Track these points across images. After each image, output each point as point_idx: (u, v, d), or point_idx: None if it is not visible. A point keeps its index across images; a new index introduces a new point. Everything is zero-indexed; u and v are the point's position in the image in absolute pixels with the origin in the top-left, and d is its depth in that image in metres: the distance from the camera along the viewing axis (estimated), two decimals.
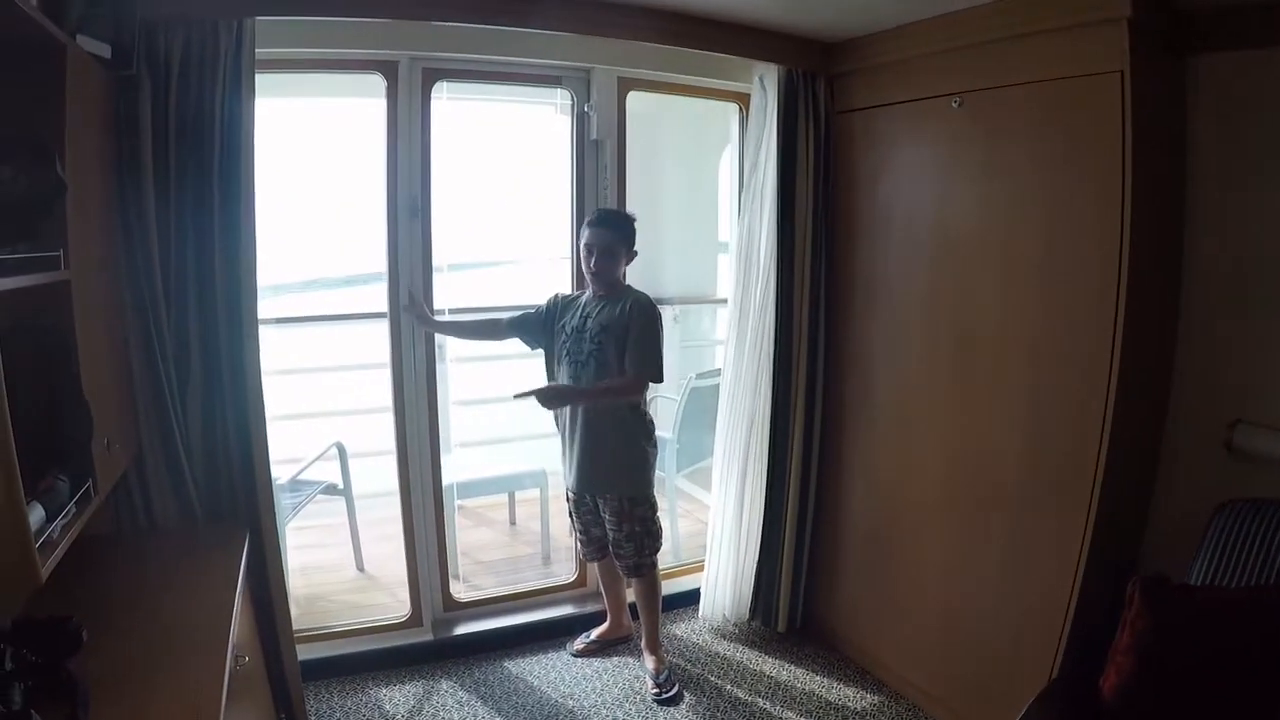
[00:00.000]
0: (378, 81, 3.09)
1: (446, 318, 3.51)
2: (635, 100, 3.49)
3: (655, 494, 3.26)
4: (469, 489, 4.42)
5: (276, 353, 5.12)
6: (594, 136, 3.38)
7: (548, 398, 3.04)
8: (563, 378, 3.12)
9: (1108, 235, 2.33)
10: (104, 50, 2.20)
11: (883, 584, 3.30)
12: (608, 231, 3.04)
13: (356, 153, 3.58)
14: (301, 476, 4.00)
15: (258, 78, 2.54)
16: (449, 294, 3.59)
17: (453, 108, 3.33)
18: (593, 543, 3.39)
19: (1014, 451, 2.69)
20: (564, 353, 3.12)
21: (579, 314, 3.12)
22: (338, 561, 4.34)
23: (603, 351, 3.02)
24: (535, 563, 4.47)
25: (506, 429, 5.55)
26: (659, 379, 3.07)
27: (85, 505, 1.91)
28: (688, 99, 3.71)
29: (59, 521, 1.74)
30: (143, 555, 2.49)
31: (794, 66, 3.18)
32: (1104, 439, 2.39)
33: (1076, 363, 2.46)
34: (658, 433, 3.24)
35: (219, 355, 2.62)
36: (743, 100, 3.59)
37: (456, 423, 5.00)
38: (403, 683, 3.29)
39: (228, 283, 2.58)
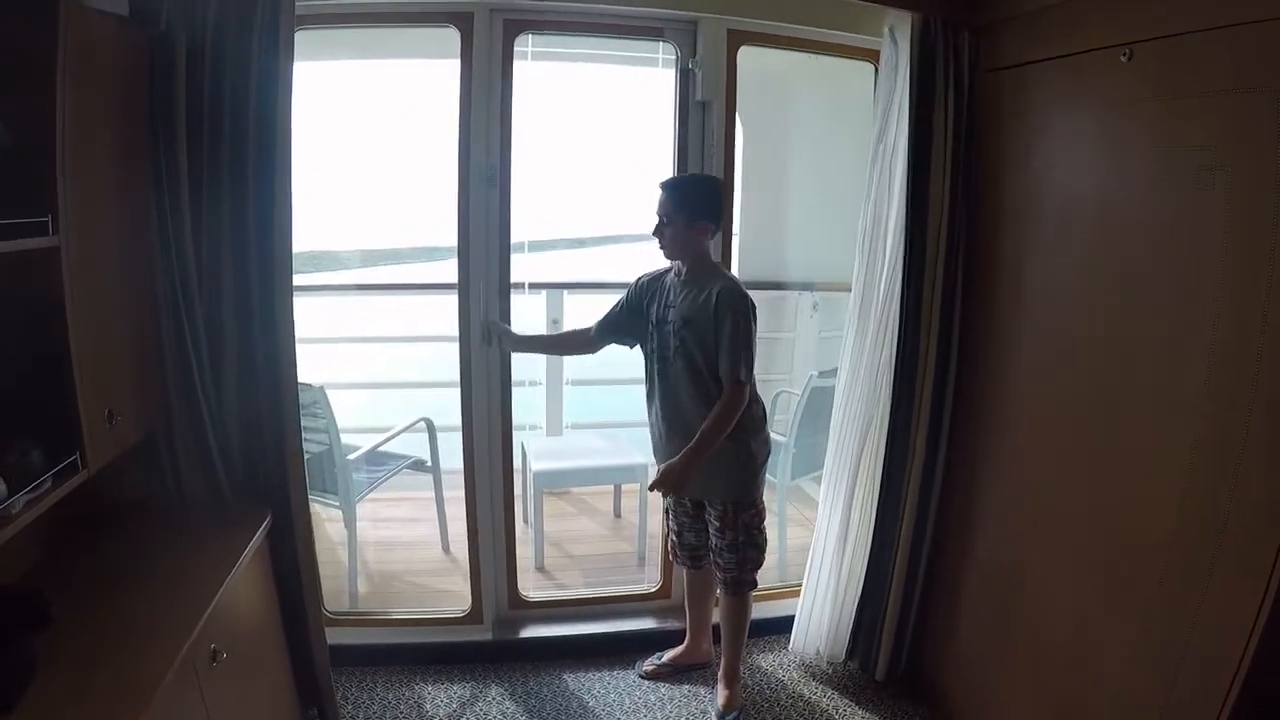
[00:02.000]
0: (453, 38, 2.79)
1: (526, 332, 3.27)
2: (760, 58, 3.06)
3: (764, 499, 2.86)
4: (558, 478, 4.13)
5: (367, 321, 5.11)
6: (699, 97, 2.96)
7: (665, 483, 2.72)
8: (654, 379, 2.76)
9: None
10: (120, 6, 2.11)
11: (1003, 639, 2.73)
12: (667, 196, 2.65)
13: (435, 116, 3.31)
14: (387, 449, 3.82)
15: (319, 34, 2.42)
16: (530, 273, 3.31)
17: (537, 69, 3.01)
18: (685, 548, 3.00)
19: (1174, 501, 2.06)
20: (652, 350, 2.76)
21: (663, 301, 2.73)
22: (424, 539, 4.16)
23: (686, 349, 2.65)
24: (630, 562, 4.12)
25: (620, 413, 5.28)
26: (748, 378, 2.63)
27: (67, 478, 1.82)
28: (815, 56, 3.22)
29: (22, 495, 1.70)
30: (155, 529, 2.39)
31: (931, 14, 2.64)
32: None
33: (1267, 395, 1.83)
34: (770, 431, 2.86)
35: (252, 327, 2.44)
36: (875, 58, 3.05)
37: (571, 404, 4.78)
38: (451, 682, 3.05)
39: (262, 253, 2.39)
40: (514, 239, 3.02)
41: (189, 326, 2.36)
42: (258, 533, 2.33)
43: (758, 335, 2.64)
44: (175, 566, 2.13)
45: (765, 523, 2.86)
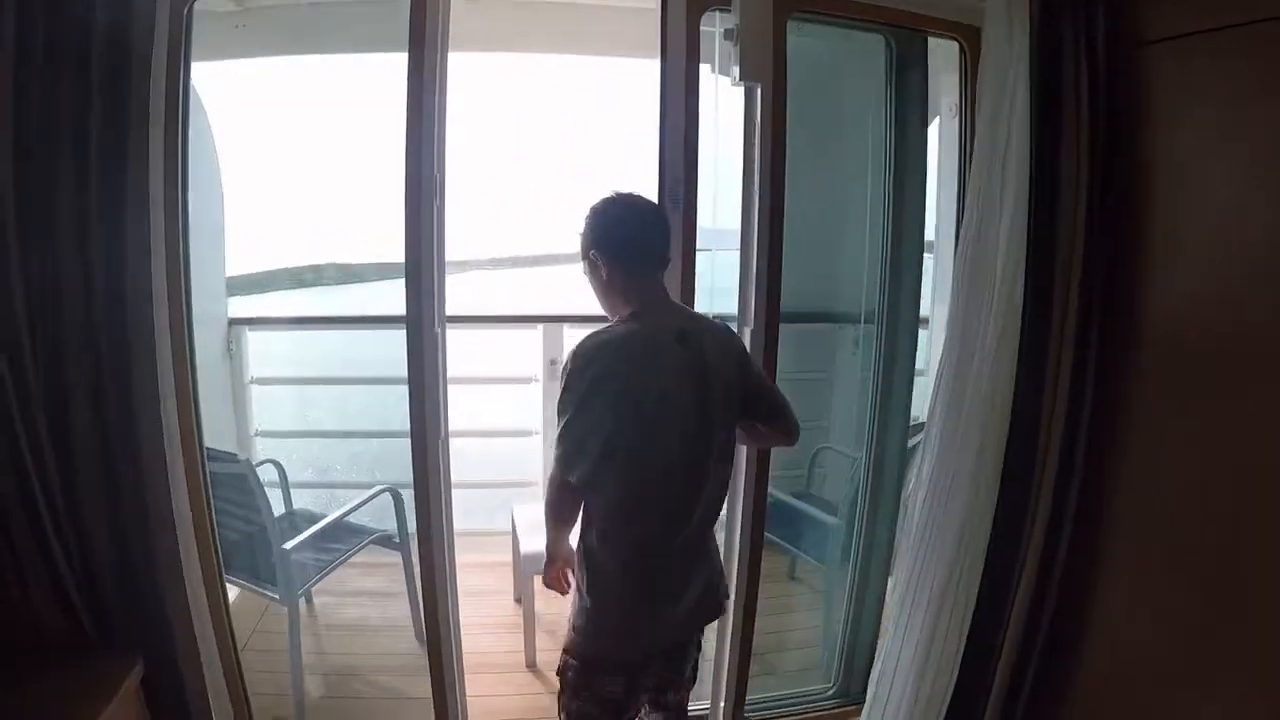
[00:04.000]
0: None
1: None
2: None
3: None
4: None
5: (331, 354, 4.47)
6: (738, 80, 2.21)
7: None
8: None
9: None
10: None
11: None
12: None
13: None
14: (346, 520, 3.11)
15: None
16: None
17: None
18: None
19: None
20: None
21: None
22: (396, 622, 3.39)
23: None
24: None
25: None
26: (564, 472, 1.80)
27: None
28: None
29: None
30: None
31: None
32: None
33: None
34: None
35: (106, 393, 1.79)
36: (965, 34, 2.40)
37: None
38: None
39: (111, 280, 1.77)
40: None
41: (18, 397, 1.73)
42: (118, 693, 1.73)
43: (589, 421, 1.79)
44: None
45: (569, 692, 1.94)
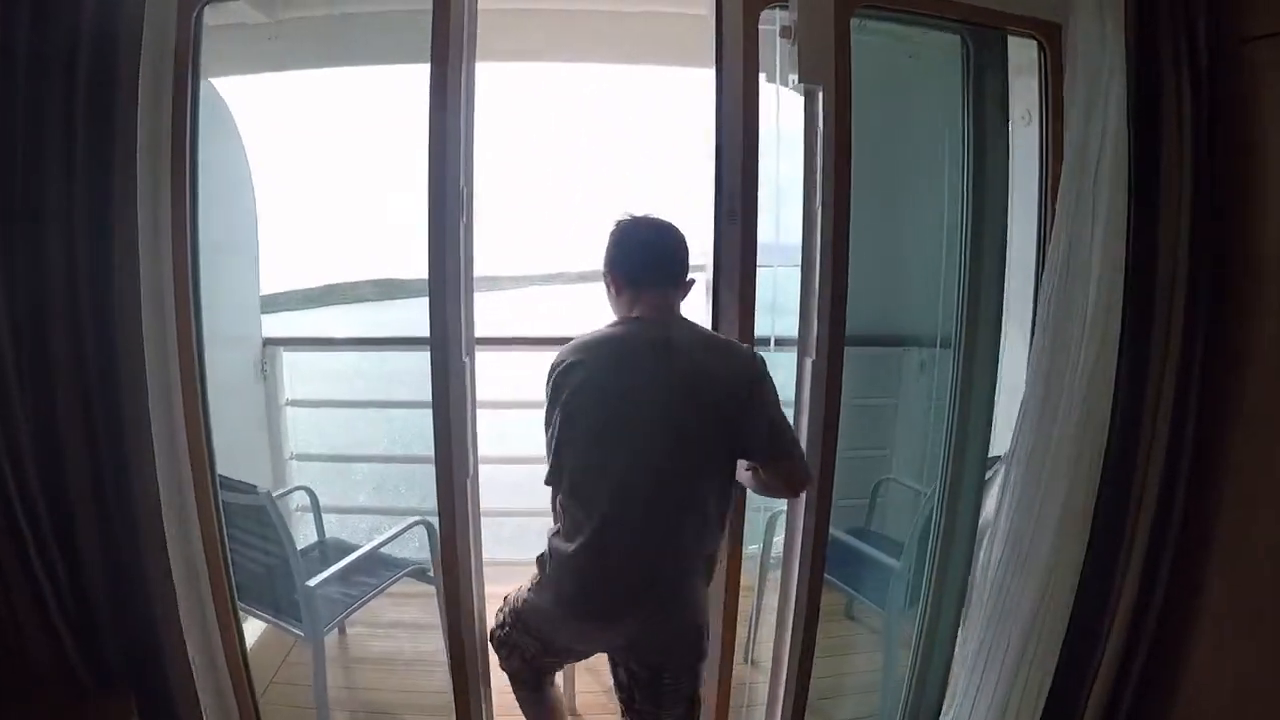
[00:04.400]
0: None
1: None
2: None
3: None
4: None
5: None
6: (796, 82, 2.03)
7: None
8: None
9: None
10: None
11: None
12: None
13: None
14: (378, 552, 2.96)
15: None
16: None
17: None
18: None
19: None
20: None
21: None
22: (432, 657, 3.20)
23: None
24: None
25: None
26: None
27: None
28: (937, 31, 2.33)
29: None
30: None
31: None
32: None
33: None
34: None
35: (96, 429, 1.69)
36: (1045, 32, 2.18)
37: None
38: None
39: (98, 310, 1.66)
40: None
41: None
42: None
43: (554, 417, 1.92)
44: None
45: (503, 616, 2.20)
